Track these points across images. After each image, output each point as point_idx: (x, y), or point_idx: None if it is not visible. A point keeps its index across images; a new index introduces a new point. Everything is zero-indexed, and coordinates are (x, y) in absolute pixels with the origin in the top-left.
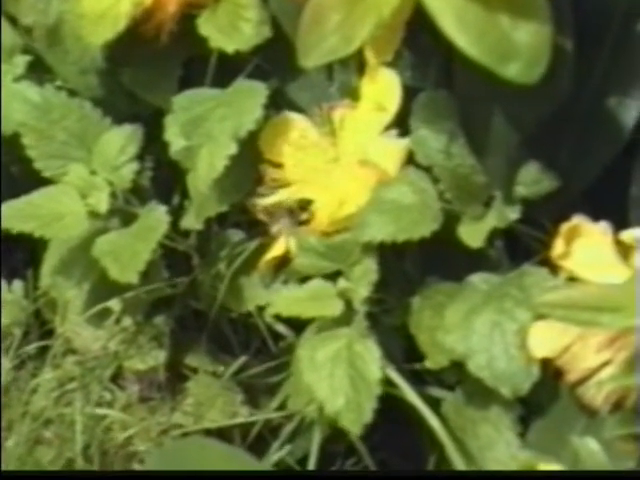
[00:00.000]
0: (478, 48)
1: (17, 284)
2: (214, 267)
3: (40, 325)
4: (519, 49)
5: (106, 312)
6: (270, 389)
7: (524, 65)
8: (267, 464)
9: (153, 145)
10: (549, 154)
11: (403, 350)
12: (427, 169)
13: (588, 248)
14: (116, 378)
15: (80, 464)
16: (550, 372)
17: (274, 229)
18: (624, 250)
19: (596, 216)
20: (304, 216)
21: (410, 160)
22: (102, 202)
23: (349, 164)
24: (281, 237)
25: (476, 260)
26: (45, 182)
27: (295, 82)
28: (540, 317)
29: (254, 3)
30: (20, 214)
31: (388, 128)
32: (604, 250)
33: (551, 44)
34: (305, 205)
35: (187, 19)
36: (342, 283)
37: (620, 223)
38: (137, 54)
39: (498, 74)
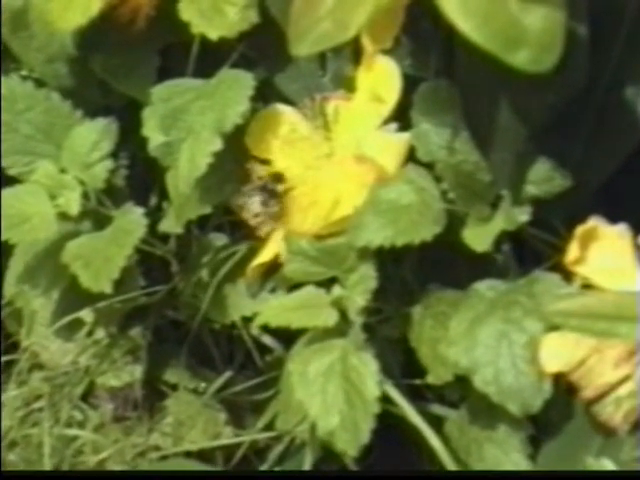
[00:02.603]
0: (483, 33)
1: None
2: (195, 274)
3: (4, 338)
4: (529, 34)
5: (77, 323)
6: (256, 407)
7: (534, 52)
8: None
9: (129, 141)
10: (561, 150)
11: (402, 364)
12: (429, 166)
13: (605, 252)
14: (87, 396)
15: None
16: (563, 388)
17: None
18: None
19: (613, 217)
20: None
21: (411, 156)
22: (73, 203)
23: (344, 161)
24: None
25: (482, 266)
26: (11, 182)
27: (285, 72)
28: (552, 328)
29: None
30: None
31: (387, 121)
32: (622, 255)
33: (564, 29)
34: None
35: (167, 2)
36: (336, 291)
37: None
38: (111, 40)
39: (505, 62)
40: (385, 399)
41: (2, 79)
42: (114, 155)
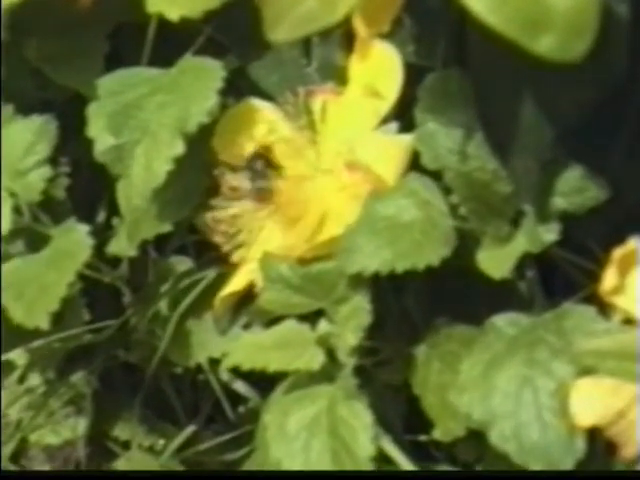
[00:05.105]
0: (500, 15)
1: None
2: (152, 306)
3: None
4: (555, 16)
5: (6, 367)
6: (227, 469)
7: (561, 37)
8: None
9: (71, 143)
10: (596, 155)
11: (403, 416)
12: (436, 175)
13: None
14: (19, 456)
15: None
16: (600, 445)
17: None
18: None
19: None
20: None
21: (414, 163)
22: (2, 219)
23: (333, 168)
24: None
25: (500, 296)
26: None
27: (261, 60)
28: (585, 371)
29: None
30: None
31: (385, 120)
32: None
33: (598, 8)
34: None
35: None
36: (323, 326)
37: None
38: (49, 22)
39: (527, 49)
40: (382, 458)
41: None
42: (53, 161)
